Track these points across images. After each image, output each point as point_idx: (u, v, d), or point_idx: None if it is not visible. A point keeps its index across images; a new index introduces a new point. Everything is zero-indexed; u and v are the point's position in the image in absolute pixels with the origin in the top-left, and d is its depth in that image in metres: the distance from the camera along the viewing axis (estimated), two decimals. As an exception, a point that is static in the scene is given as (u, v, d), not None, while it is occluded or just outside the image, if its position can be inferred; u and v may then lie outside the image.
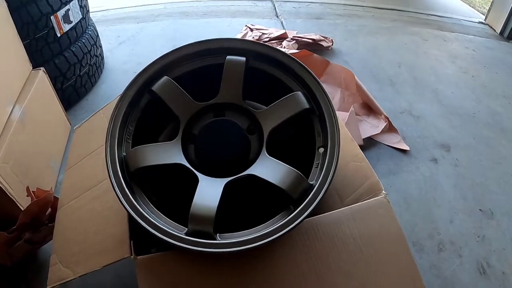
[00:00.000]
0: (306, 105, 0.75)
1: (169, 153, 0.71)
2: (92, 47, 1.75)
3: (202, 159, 0.74)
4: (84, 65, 1.68)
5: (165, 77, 0.78)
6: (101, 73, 1.94)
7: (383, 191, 0.78)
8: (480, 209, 1.34)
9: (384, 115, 1.69)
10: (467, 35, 2.62)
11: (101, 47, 1.93)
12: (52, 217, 0.91)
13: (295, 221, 0.64)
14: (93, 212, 0.77)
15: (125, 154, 0.72)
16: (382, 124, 1.65)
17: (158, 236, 0.61)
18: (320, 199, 0.66)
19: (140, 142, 0.75)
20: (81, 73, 1.67)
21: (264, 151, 0.73)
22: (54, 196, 0.96)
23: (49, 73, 1.39)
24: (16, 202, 0.96)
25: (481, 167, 1.51)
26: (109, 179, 0.66)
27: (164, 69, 0.79)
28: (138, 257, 0.65)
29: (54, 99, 1.40)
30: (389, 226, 0.74)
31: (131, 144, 0.74)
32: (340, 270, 0.70)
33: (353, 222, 0.75)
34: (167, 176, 0.76)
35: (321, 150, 0.74)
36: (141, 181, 0.70)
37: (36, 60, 1.40)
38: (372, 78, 2.05)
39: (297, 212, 0.65)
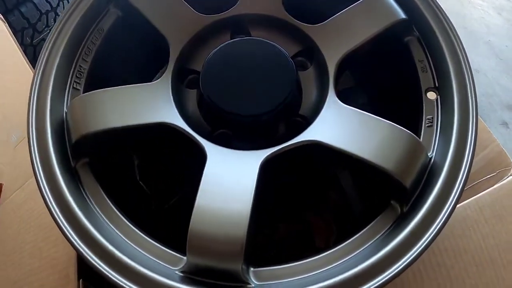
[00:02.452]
0: (400, 14, 0.40)
1: (146, 104, 0.36)
2: (71, -10, 1.39)
3: (212, 114, 0.39)
4: (59, 13, 1.33)
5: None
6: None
7: None
8: None
9: None
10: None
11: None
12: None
13: (417, 243, 0.29)
14: (33, 214, 0.47)
15: (66, 110, 0.38)
16: None
17: (121, 286, 0.28)
18: (459, 193, 0.31)
19: (97, 87, 0.41)
20: (55, 24, 1.33)
21: (332, 96, 0.38)
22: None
23: (13, 25, 1.09)
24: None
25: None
26: (31, 165, 0.33)
27: None
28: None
29: (17, 54, 1.07)
30: None
31: (82, 92, 0.40)
32: None
33: (486, 225, 0.42)
34: (143, 150, 0.43)
35: (433, 95, 0.40)
36: (95, 160, 0.36)
37: (-6, 9, 1.08)
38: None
39: (418, 222, 0.30)
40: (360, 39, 0.39)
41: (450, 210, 0.30)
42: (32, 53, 1.22)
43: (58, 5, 1.32)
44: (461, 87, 0.37)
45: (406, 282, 0.34)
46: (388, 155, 0.31)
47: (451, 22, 0.40)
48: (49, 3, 1.27)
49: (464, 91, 0.37)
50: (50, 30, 1.33)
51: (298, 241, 0.50)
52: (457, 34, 0.40)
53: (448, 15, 0.41)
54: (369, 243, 0.33)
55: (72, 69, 0.41)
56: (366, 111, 0.36)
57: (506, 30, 1.89)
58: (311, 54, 0.42)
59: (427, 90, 0.39)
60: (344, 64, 0.40)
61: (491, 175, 0.48)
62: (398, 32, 0.41)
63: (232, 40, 0.41)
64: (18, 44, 1.06)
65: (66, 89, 0.40)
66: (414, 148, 0.33)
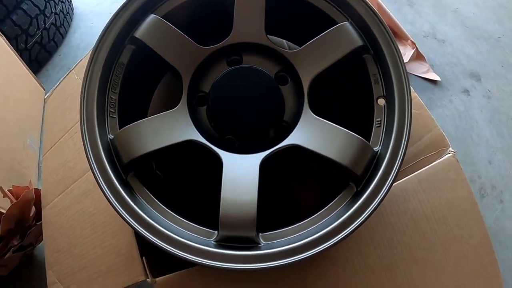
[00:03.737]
0: (359, 42, 0.52)
1: (174, 128, 0.49)
2: (55, -9, 1.41)
3: (222, 128, 0.53)
4: (48, 15, 1.36)
5: (152, 16, 0.53)
6: (71, 20, 1.61)
7: (450, 148, 0.62)
8: (516, 147, 1.31)
9: (411, 41, 1.48)
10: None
11: (65, -11, 1.57)
12: (39, 215, 0.74)
13: (366, 211, 0.45)
14: (85, 214, 0.59)
15: (111, 137, 0.50)
16: (410, 52, 1.47)
17: (176, 254, 0.42)
18: (395, 175, 0.47)
19: (128, 114, 0.53)
20: (46, 26, 1.37)
21: (307, 109, 0.51)
22: (35, 189, 0.77)
23: (7, 33, 1.14)
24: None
25: (514, 98, 1.48)
26: (94, 178, 0.45)
27: (149, 4, 0.54)
28: (157, 279, 0.48)
29: (18, 64, 1.13)
30: (461, 192, 0.59)
31: (118, 119, 0.52)
32: (414, 258, 0.55)
33: (423, 194, 0.59)
34: (175, 158, 0.56)
35: (382, 102, 0.53)
36: (140, 171, 0.49)
37: (-13, 22, 1.11)
38: (387, -4, 1.84)
39: (366, 197, 0.46)
40: (327, 63, 0.51)
41: (389, 187, 0.45)
42: (27, 57, 1.29)
43: (45, 7, 1.36)
44: (401, 94, 0.50)
45: (363, 234, 0.49)
46: (345, 155, 0.46)
47: (397, 45, 0.52)
48: (37, 6, 1.31)
49: (401, 97, 0.50)
50: (42, 33, 1.35)
51: (289, 205, 0.66)
52: (401, 55, 0.51)
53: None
54: (337, 210, 0.48)
55: (106, 101, 0.52)
56: (333, 116, 0.50)
57: (474, -3, 1.87)
58: (289, 72, 0.55)
59: (378, 98, 0.53)
60: (316, 82, 0.53)
61: (433, 153, 0.63)
62: (357, 53, 0.53)
63: (231, 68, 0.53)
64: (14, 50, 1.12)
65: (105, 118, 0.51)
66: (363, 149, 0.48)
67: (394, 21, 1.50)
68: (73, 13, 1.64)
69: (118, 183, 0.46)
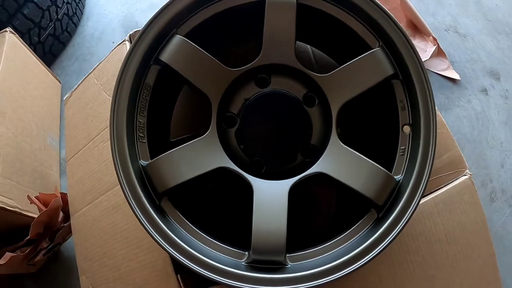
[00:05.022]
0: (391, 70, 0.52)
1: (206, 156, 0.50)
2: (65, -22, 1.37)
3: (251, 150, 0.54)
4: (60, 5, 1.33)
5: (177, 37, 0.52)
6: (84, 7, 1.56)
7: (467, 170, 0.64)
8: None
9: (433, 37, 1.42)
10: None
11: (75, -26, 1.53)
12: (66, 217, 0.77)
13: (388, 237, 0.47)
14: (116, 228, 0.61)
15: (143, 163, 0.51)
16: (431, 48, 1.42)
17: (208, 276, 0.45)
18: (417, 205, 0.49)
19: (156, 138, 0.54)
20: (59, 16, 1.34)
21: (335, 136, 0.53)
22: (62, 193, 0.79)
23: (19, 28, 1.11)
24: (20, 211, 0.80)
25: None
26: (129, 205, 0.47)
27: (172, 22, 0.52)
28: (192, 297, 0.52)
29: (33, 61, 1.12)
30: (474, 215, 0.62)
31: (147, 144, 0.53)
32: (424, 276, 0.58)
33: (438, 216, 0.61)
34: (206, 184, 0.58)
35: (407, 129, 0.54)
36: (173, 198, 0.51)
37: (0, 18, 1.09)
38: (408, -14, 1.73)
39: (389, 225, 0.48)
40: (358, 91, 0.51)
41: (410, 215, 0.48)
42: (41, 50, 1.28)
43: (56, -3, 1.31)
44: (427, 124, 0.50)
45: (381, 254, 0.52)
46: (370, 188, 0.48)
47: (426, 72, 0.51)
48: (48, -3, 1.27)
49: (427, 127, 0.50)
50: (54, 24, 1.34)
51: (308, 207, 0.68)
52: (429, 82, 0.51)
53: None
54: (359, 235, 0.50)
55: (135, 125, 0.52)
56: (357, 142, 0.51)
57: (497, -13, 1.84)
58: (317, 95, 0.55)
59: (403, 125, 0.53)
60: (345, 108, 0.53)
61: (450, 172, 0.64)
62: (387, 80, 0.52)
63: (260, 92, 0.54)
64: (28, 46, 1.11)
65: (135, 142, 0.51)
66: (387, 182, 0.49)
67: (417, 15, 1.46)
68: (85, 1, 1.60)
69: (151, 208, 0.48)
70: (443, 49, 1.44)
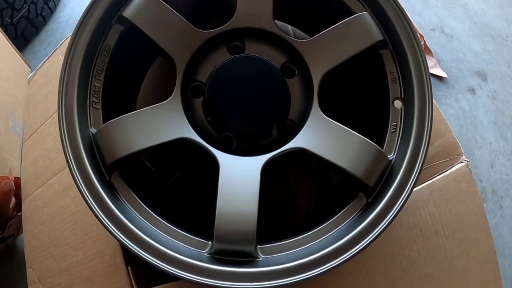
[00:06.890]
0: (379, 36, 0.47)
1: (165, 123, 0.43)
2: (43, -41, 1.30)
3: (219, 124, 0.47)
4: None
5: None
6: (61, -6, 1.50)
7: (464, 157, 0.58)
8: (519, 152, 1.31)
9: (419, 34, 1.41)
10: None
11: (55, -43, 1.46)
12: (19, 205, 0.68)
13: (379, 226, 0.40)
14: (66, 212, 0.53)
15: (94, 131, 0.44)
16: None
17: (162, 268, 0.38)
18: (412, 188, 0.42)
19: (114, 105, 0.47)
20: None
21: (316, 108, 0.46)
22: (15, 178, 0.71)
23: None
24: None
25: (519, 101, 1.48)
26: (72, 177, 0.40)
27: None
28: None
29: (2, 41, 1.04)
30: (472, 205, 0.56)
31: (102, 111, 0.45)
32: (419, 274, 0.51)
33: (434, 206, 0.55)
34: (164, 157, 0.50)
35: (398, 104, 0.48)
36: (125, 171, 0.44)
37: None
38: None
39: (379, 211, 0.41)
40: (342, 58, 0.45)
41: (404, 200, 0.41)
42: (13, 32, 1.21)
43: (32, -21, 1.25)
44: (421, 99, 0.44)
45: (369, 247, 0.45)
46: (359, 165, 0.41)
47: (419, 40, 0.47)
48: (24, -21, 1.20)
49: (422, 100, 0.45)
50: (29, 7, 1.27)
51: (284, 202, 0.61)
52: (423, 53, 0.46)
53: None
54: (344, 224, 0.43)
55: (89, 89, 0.45)
56: (342, 117, 0.45)
57: (483, -7, 1.92)
58: (297, 64, 0.49)
59: (394, 99, 0.47)
60: (327, 78, 0.47)
61: (444, 160, 0.58)
62: (375, 48, 0.47)
63: (232, 57, 0.46)
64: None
65: (87, 108, 0.45)
66: (378, 158, 0.42)
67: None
68: (63, -14, 1.54)
69: (99, 185, 0.40)
70: (429, 48, 1.43)
